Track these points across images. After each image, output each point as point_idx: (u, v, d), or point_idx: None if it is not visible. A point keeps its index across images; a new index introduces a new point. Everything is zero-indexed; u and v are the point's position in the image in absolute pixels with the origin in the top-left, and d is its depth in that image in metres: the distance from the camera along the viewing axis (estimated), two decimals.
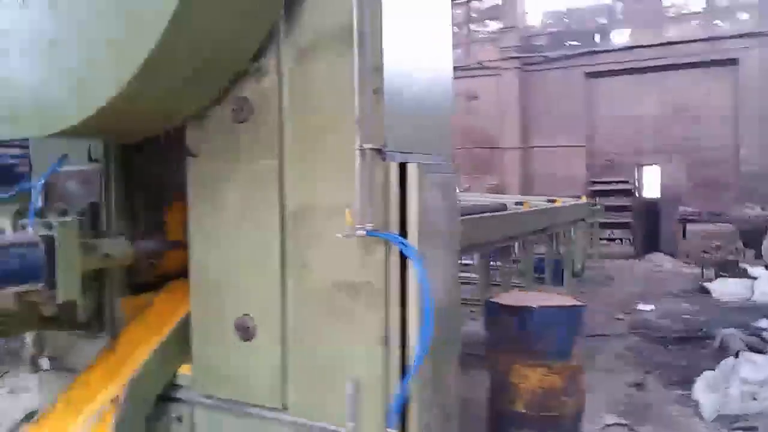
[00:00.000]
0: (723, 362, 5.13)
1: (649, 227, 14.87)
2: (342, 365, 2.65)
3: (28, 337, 3.45)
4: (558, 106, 15.30)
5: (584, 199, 11.45)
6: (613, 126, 15.20)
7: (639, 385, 5.28)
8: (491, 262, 9.08)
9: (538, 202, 10.81)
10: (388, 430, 2.50)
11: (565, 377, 3.69)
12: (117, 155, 3.32)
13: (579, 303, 3.95)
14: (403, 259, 2.57)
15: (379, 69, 2.51)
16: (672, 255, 13.44)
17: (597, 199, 13.92)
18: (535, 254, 11.82)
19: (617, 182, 14.95)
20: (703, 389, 4.66)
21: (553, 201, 10.46)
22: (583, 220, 10.65)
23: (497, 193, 15.40)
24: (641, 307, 8.59)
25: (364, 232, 2.47)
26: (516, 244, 8.62)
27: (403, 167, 2.60)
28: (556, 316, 3.77)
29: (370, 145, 2.48)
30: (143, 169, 3.35)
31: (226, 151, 2.84)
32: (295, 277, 2.74)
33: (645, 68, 14.56)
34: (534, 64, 15.66)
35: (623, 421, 4.43)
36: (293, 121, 2.72)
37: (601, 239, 14.62)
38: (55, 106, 2.49)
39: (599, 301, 9.12)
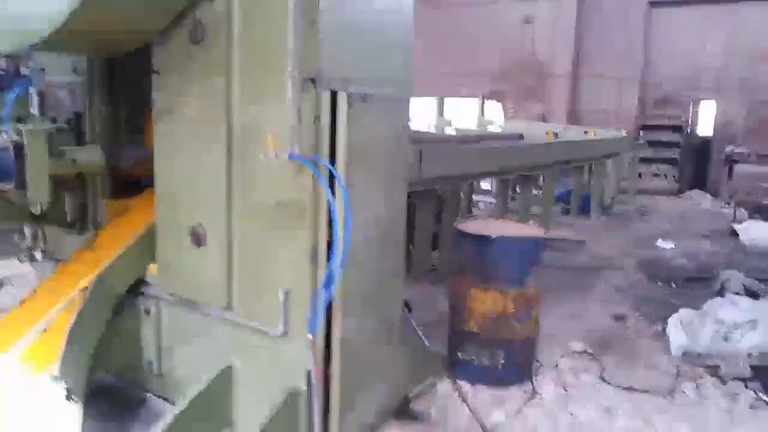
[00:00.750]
0: (708, 302, 5.15)
1: (697, 165, 14.38)
2: (277, 275, 2.91)
3: (27, 232, 3.85)
4: (616, 35, 14.61)
5: (624, 133, 11.13)
6: (671, 60, 14.44)
7: (622, 318, 5.38)
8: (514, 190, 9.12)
9: (571, 132, 10.66)
10: (309, 335, 2.75)
11: (517, 304, 3.85)
12: (99, 68, 3.57)
13: (539, 235, 4.05)
14: (334, 183, 2.74)
15: None
16: (715, 195, 13.03)
17: (641, 133, 13.47)
18: (566, 186, 11.75)
19: (669, 117, 14.38)
20: (675, 325, 4.72)
21: (586, 132, 10.28)
22: (617, 154, 10.44)
23: (542, 121, 15.12)
24: (661, 244, 8.50)
25: (286, 156, 2.65)
26: (541, 175, 8.56)
27: (334, 96, 2.74)
28: (512, 245, 3.89)
29: (299, 73, 2.61)
30: (126, 80, 3.60)
31: (183, 69, 3.04)
32: (240, 191, 2.97)
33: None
34: None
35: (589, 350, 4.58)
36: (241, 46, 2.88)
37: (643, 174, 14.27)
38: (23, 22, 2.72)
39: (621, 236, 9.06)
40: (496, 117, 15.92)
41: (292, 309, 2.87)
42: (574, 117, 15.16)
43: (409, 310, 5.43)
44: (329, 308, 2.85)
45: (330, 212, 2.74)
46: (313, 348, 2.75)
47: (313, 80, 2.69)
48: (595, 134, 9.78)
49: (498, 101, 16.57)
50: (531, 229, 4.22)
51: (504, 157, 6.53)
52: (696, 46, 14.07)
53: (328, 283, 2.74)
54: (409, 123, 3.36)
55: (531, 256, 3.96)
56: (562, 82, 15.25)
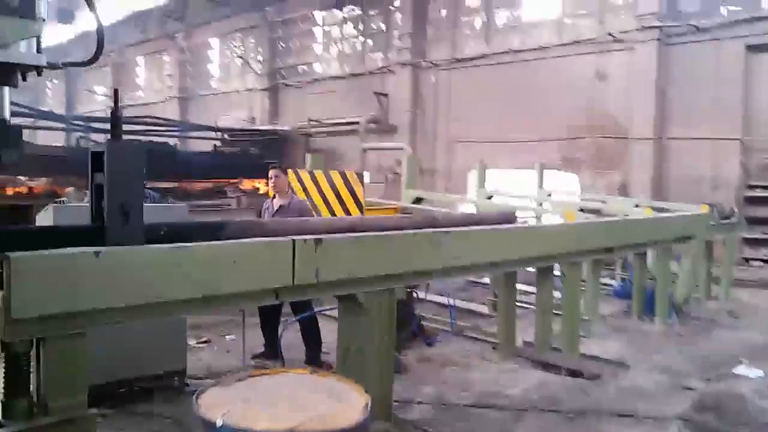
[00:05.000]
0: None
1: None
2: None
3: None
4: (707, 88, 12.05)
5: (705, 209, 8.61)
6: None
7: None
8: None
9: (624, 207, 8.37)
10: None
11: None
12: None
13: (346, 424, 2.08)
14: None
15: None
16: None
17: (736, 210, 10.65)
18: (622, 276, 9.37)
19: None
20: None
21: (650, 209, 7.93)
22: (690, 237, 7.94)
23: (623, 194, 12.76)
24: (741, 370, 5.94)
25: None
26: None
27: None
28: None
29: None
30: None
31: None
32: None
33: None
34: (678, 35, 12.50)
35: None
36: None
37: (750, 260, 11.37)
38: None
39: (686, 353, 6.55)
40: (567, 188, 13.71)
41: None
42: (659, 188, 12.59)
43: None
44: None
45: None
46: None
47: None
48: (649, 212, 7.44)
49: (572, 170, 14.32)
50: (344, 407, 2.25)
51: (464, 247, 4.57)
52: None
53: None
54: None
55: None
56: (643, 147, 12.79)
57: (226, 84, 25.15)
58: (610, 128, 13.50)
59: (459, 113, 16.25)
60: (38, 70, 2.85)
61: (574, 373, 5.76)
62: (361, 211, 6.66)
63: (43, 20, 2.77)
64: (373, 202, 7.85)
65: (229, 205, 13.06)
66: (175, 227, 3.48)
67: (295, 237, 3.67)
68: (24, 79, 3.01)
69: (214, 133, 19.30)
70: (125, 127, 18.51)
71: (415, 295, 6.80)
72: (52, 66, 2.98)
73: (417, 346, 6.31)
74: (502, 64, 15.39)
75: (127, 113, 27.83)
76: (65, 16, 24.30)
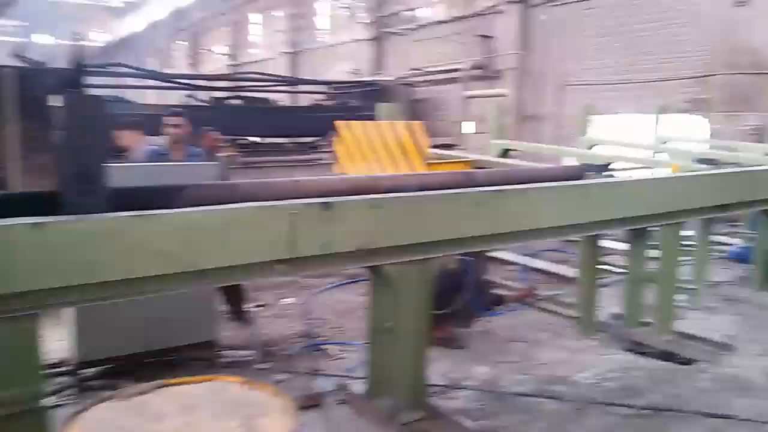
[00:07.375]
0: None
1: None
2: None
3: None
4: None
5: None
6: None
7: None
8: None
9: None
10: None
11: None
12: None
13: None
14: None
15: None
16: None
17: None
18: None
19: None
20: None
21: None
22: None
23: (759, 140, 11.09)
24: None
25: None
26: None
27: None
28: None
29: None
30: None
31: None
32: None
33: None
34: None
35: None
36: None
37: None
38: None
39: None
40: (695, 134, 12.14)
41: None
42: None
43: None
44: None
45: None
46: None
47: None
48: None
49: (701, 113, 12.62)
50: None
51: (518, 210, 3.82)
52: None
53: None
54: None
55: None
56: None
57: (333, 37, 24.84)
58: (750, 63, 11.64)
59: (571, 54, 14.81)
60: None
61: (664, 356, 4.88)
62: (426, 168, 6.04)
63: None
64: (442, 155, 7.15)
65: (321, 159, 12.74)
66: (141, 191, 3.09)
67: (295, 201, 3.15)
68: None
69: (319, 86, 19.09)
70: (237, 84, 18.50)
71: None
72: None
73: (481, 316, 5.64)
74: None
75: (242, 70, 28.49)
76: None
